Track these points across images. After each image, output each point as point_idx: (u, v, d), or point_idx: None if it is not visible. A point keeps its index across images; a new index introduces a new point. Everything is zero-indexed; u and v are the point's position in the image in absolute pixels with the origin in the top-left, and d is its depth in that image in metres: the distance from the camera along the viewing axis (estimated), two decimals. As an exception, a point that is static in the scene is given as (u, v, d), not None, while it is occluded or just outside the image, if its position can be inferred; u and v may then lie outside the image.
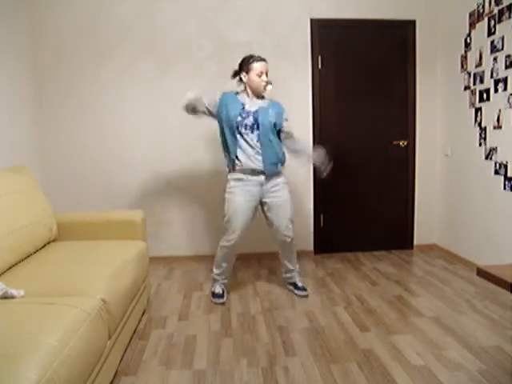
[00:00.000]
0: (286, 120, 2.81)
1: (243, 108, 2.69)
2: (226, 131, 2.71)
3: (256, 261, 3.80)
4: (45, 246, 2.54)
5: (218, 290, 2.93)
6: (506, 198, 3.05)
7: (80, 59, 3.63)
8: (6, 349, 1.27)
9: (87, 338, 1.53)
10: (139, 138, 3.77)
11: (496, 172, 3.15)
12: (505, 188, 3.06)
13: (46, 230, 2.53)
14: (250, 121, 2.67)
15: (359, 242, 4.04)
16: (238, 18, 3.71)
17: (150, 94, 3.72)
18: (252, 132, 2.69)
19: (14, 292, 1.73)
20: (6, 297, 1.70)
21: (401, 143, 3.97)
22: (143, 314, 2.69)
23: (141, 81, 3.70)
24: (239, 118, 2.67)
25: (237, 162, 2.73)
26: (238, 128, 2.68)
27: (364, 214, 4.02)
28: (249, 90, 2.73)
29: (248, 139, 2.70)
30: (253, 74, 2.66)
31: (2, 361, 1.20)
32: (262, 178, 2.74)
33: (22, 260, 2.25)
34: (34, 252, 2.39)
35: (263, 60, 2.69)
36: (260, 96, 2.75)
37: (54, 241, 2.68)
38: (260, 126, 2.67)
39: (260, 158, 2.71)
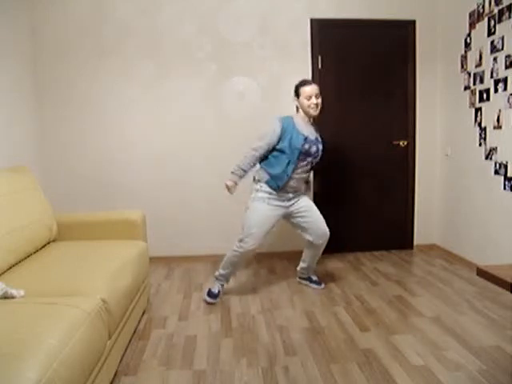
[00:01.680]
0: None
1: (306, 136, 2.77)
2: (289, 155, 2.74)
3: (256, 261, 3.80)
4: (45, 246, 2.54)
5: (215, 289, 2.92)
6: (506, 198, 3.05)
7: (80, 59, 3.63)
8: (6, 349, 1.26)
9: (87, 338, 1.52)
10: (139, 137, 3.77)
11: (496, 172, 3.14)
12: (505, 188, 3.06)
13: (46, 230, 2.53)
14: (313, 149, 2.80)
15: (359, 241, 4.04)
16: (238, 18, 3.71)
17: (150, 93, 3.72)
18: (307, 159, 2.80)
19: (14, 292, 1.73)
20: (6, 297, 1.70)
21: (401, 143, 3.97)
22: (143, 313, 2.69)
23: (141, 81, 3.70)
24: (307, 146, 2.75)
25: (281, 183, 2.76)
26: (301, 154, 2.75)
27: (364, 214, 4.02)
28: (302, 114, 2.82)
29: (302, 164, 2.79)
30: (302, 98, 2.77)
31: (1, 361, 1.20)
32: (291, 195, 2.86)
33: (22, 260, 2.25)
34: (34, 252, 2.39)
35: (311, 83, 2.80)
36: (310, 119, 2.85)
37: (54, 241, 2.68)
38: (318, 155, 2.86)
39: (301, 180, 2.86)
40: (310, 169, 2.92)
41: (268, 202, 2.80)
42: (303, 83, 2.80)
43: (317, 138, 2.86)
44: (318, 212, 2.94)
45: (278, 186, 2.78)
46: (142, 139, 3.77)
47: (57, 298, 1.70)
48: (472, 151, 3.44)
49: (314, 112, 2.79)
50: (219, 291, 2.93)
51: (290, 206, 2.87)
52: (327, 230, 2.93)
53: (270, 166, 2.80)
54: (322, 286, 3.12)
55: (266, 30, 3.74)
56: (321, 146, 2.87)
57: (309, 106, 2.76)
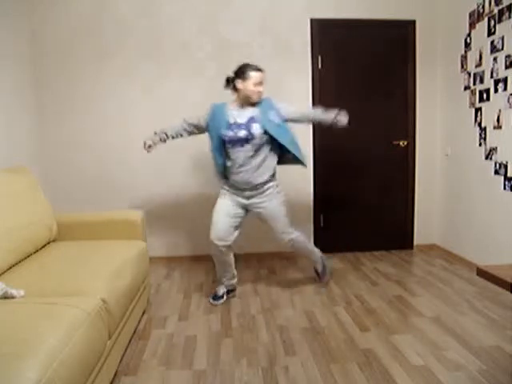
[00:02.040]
0: (284, 108, 2.71)
1: (231, 122, 2.65)
2: (215, 144, 2.70)
3: (256, 261, 3.80)
4: (45, 246, 2.54)
5: (219, 291, 2.92)
6: (506, 198, 3.05)
7: (80, 59, 3.63)
8: (6, 349, 1.27)
9: (87, 338, 1.53)
10: (139, 138, 3.75)
11: (496, 172, 3.14)
12: (505, 188, 3.06)
13: (46, 230, 2.53)
14: (243, 133, 2.62)
15: (359, 241, 4.04)
16: (238, 18, 3.71)
17: (151, 93, 3.72)
18: (242, 146, 2.64)
19: (14, 292, 1.73)
20: (6, 297, 1.70)
21: (401, 143, 3.97)
22: (143, 313, 2.69)
23: (141, 81, 3.70)
24: (230, 133, 2.63)
25: (224, 174, 2.77)
26: (227, 142, 2.66)
27: (364, 214, 4.02)
28: (241, 98, 2.68)
29: (237, 154, 2.66)
30: (250, 83, 2.61)
31: (2, 361, 1.20)
32: (248, 193, 2.75)
33: (22, 260, 2.25)
34: (34, 252, 2.39)
35: (261, 70, 2.65)
36: (251, 103, 2.69)
37: (54, 241, 2.68)
38: (252, 139, 2.63)
39: (248, 172, 2.67)
40: (278, 158, 2.78)
41: (225, 196, 2.78)
42: (254, 68, 2.62)
43: (251, 118, 2.63)
44: (278, 218, 2.79)
45: (226, 177, 2.77)
46: (142, 139, 3.75)
47: (57, 297, 1.70)
48: (472, 151, 3.44)
49: (258, 99, 2.65)
50: (223, 293, 2.92)
51: (249, 205, 2.77)
52: (283, 240, 2.85)
53: (214, 165, 2.81)
54: (319, 280, 3.17)
55: (266, 30, 3.74)
56: (257, 125, 2.61)
57: (254, 93, 2.62)
